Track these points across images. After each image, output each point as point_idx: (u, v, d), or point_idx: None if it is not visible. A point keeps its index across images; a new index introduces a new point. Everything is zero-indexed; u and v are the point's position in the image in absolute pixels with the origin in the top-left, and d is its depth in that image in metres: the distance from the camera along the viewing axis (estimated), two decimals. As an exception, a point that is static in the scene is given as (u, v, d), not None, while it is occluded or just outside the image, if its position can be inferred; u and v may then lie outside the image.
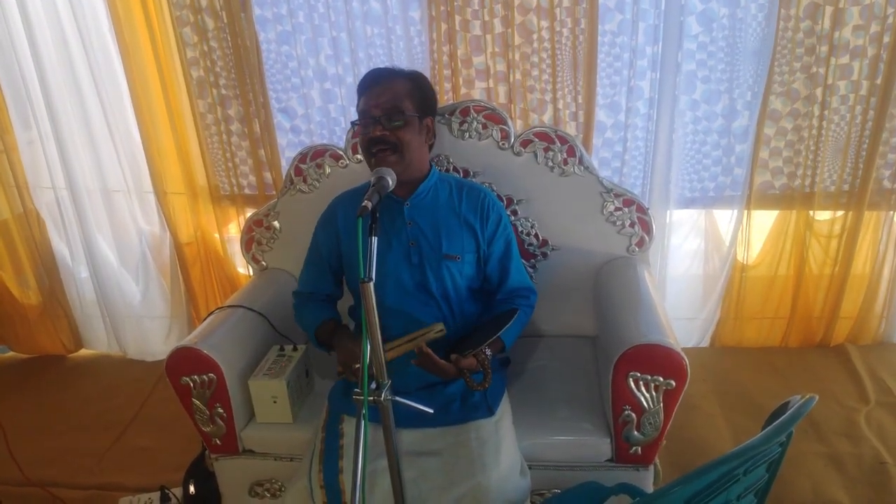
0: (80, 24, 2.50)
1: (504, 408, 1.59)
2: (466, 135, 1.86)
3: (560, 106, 2.37)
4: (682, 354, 1.42)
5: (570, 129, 2.40)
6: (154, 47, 2.50)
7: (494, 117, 1.84)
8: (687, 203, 2.53)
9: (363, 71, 2.43)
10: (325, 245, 1.68)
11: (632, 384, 1.46)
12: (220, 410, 1.66)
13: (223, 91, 2.53)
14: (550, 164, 1.85)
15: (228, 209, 2.73)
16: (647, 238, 1.88)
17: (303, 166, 1.98)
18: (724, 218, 2.53)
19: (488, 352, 1.53)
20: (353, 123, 1.57)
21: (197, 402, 1.67)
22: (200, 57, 2.52)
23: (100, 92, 2.59)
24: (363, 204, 1.22)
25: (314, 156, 1.97)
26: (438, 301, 1.59)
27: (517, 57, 2.33)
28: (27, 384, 2.98)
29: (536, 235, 1.92)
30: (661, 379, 1.44)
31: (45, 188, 2.79)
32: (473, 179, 1.90)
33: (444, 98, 2.38)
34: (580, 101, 2.35)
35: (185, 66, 2.53)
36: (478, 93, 2.41)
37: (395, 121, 1.49)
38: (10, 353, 3.23)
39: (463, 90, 2.44)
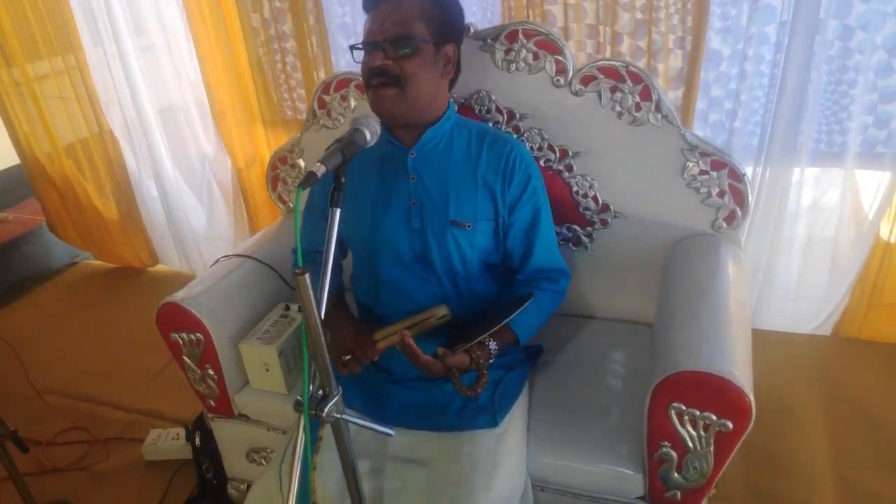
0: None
1: (515, 416, 1.29)
2: (513, 66, 1.48)
3: (662, 29, 1.87)
4: (747, 391, 1.04)
5: (675, 59, 1.91)
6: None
7: (548, 45, 1.44)
8: (821, 160, 1.97)
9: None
10: (321, 199, 1.42)
11: (674, 417, 1.11)
12: (211, 372, 1.52)
13: (276, 3, 2.27)
14: (618, 108, 1.43)
15: (285, 135, 2.54)
16: (739, 212, 1.44)
17: (326, 97, 1.70)
18: (871, 182, 1.96)
19: (493, 347, 1.23)
20: (351, 48, 1.26)
21: (188, 360, 1.53)
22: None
23: (159, 8, 2.43)
24: (312, 168, 0.94)
25: (338, 86, 1.68)
26: (440, 276, 1.29)
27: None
28: (104, 294, 3.09)
29: (595, 198, 1.54)
30: (714, 417, 1.08)
31: (115, 108, 2.73)
32: (520, 123, 1.53)
33: (510, 16, 1.97)
34: (688, 23, 1.84)
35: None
36: (559, 9, 1.97)
37: (402, 47, 1.16)
38: (96, 262, 3.36)
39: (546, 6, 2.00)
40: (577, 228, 1.59)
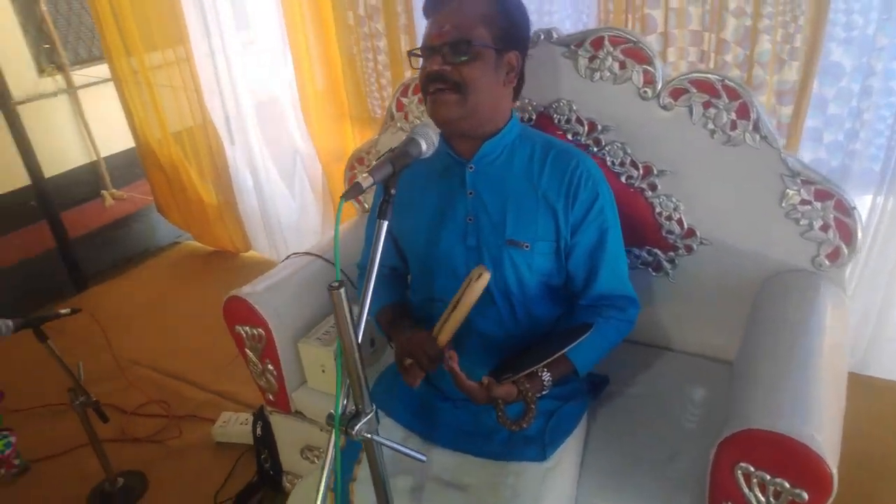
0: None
1: (568, 451, 1.21)
2: (597, 75, 1.39)
3: (776, 38, 1.70)
4: (829, 462, 0.91)
5: (789, 71, 1.72)
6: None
7: (636, 53, 1.33)
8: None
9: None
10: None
11: (740, 478, 0.99)
12: (271, 368, 1.53)
13: (371, 0, 2.27)
14: (711, 125, 1.30)
15: (372, 134, 2.54)
16: (845, 250, 1.27)
17: (404, 100, 1.67)
18: None
19: (546, 378, 1.15)
20: (409, 54, 1.21)
21: (250, 353, 1.56)
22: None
23: (260, 5, 2.51)
24: (359, 179, 0.91)
25: (416, 89, 1.64)
26: (495, 296, 1.22)
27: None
28: (199, 275, 3.25)
29: (680, 221, 1.41)
30: (787, 485, 0.95)
31: (217, 99, 2.85)
32: (601, 136, 1.43)
33: (607, 19, 1.86)
34: (804, 31, 1.66)
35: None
36: (660, 14, 1.83)
37: (462, 53, 1.10)
38: (196, 243, 3.55)
39: (646, 9, 1.88)
40: (659, 253, 1.47)
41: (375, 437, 0.95)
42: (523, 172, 1.20)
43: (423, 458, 1.00)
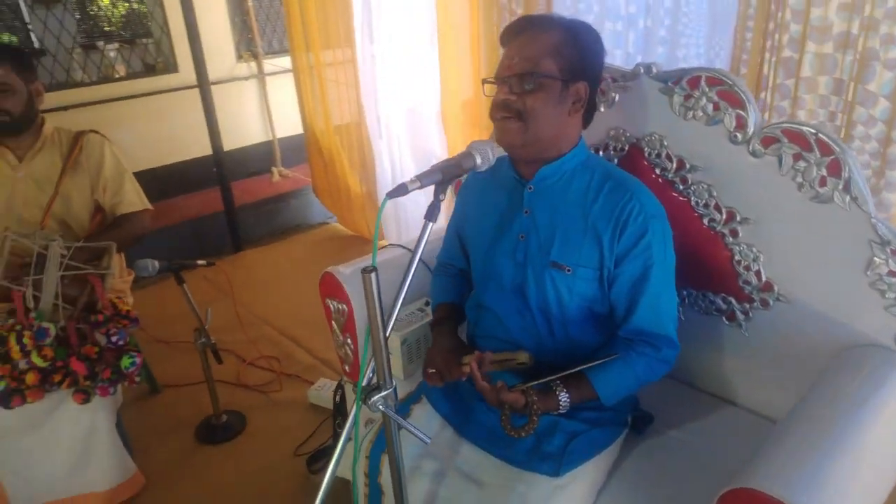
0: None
1: (585, 474, 1.23)
2: (690, 114, 1.38)
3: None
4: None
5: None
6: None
7: (731, 97, 1.31)
8: None
9: (661, 14, 2.03)
10: (456, 214, 1.50)
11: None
12: (349, 341, 1.70)
13: (515, 16, 2.38)
14: (800, 178, 1.25)
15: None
16: (932, 332, 1.16)
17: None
18: None
19: (563, 398, 1.19)
20: (483, 82, 1.29)
21: (334, 325, 1.74)
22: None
23: (416, 17, 2.73)
24: (405, 181, 1.02)
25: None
26: (535, 314, 1.27)
27: (879, 13, 1.59)
28: (337, 255, 3.56)
29: (758, 273, 1.36)
30: (778, 555, 0.91)
31: (371, 100, 3.12)
32: (688, 175, 1.42)
33: (740, 58, 1.80)
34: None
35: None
36: (807, 59, 1.75)
37: (527, 83, 1.17)
38: (340, 226, 3.88)
39: (786, 52, 1.80)
40: (734, 302, 1.42)
41: (387, 411, 1.06)
42: (578, 199, 1.24)
43: (428, 440, 1.09)
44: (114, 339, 1.77)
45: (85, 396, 1.74)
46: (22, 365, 1.69)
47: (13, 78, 1.83)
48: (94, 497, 1.88)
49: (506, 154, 1.30)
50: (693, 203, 1.42)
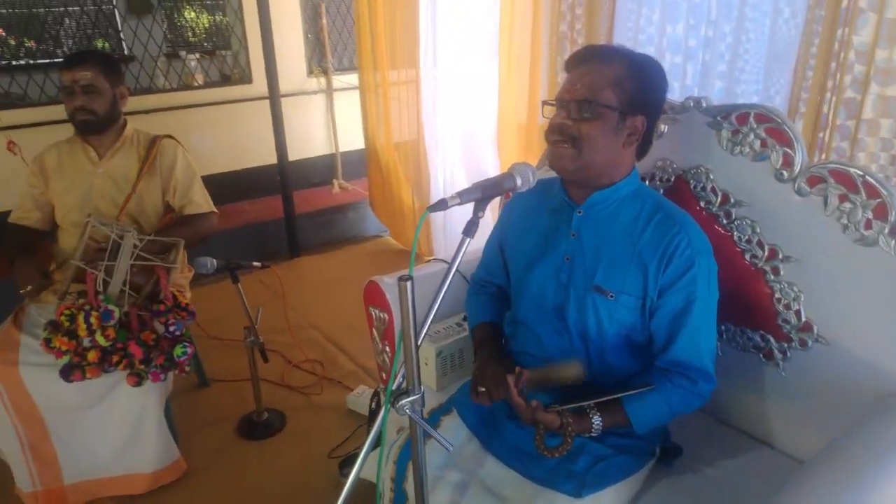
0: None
1: (606, 500, 1.23)
2: (738, 149, 1.38)
3: None
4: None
5: None
6: (535, 5, 2.53)
7: (779, 134, 1.31)
8: None
9: (720, 49, 2.03)
10: (498, 230, 1.53)
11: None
12: (388, 349, 1.76)
13: (576, 45, 2.42)
14: (845, 220, 1.24)
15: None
16: (976, 386, 1.12)
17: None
18: None
19: (596, 422, 1.20)
20: (543, 103, 1.33)
21: (375, 332, 1.80)
22: (569, 10, 2.45)
23: (479, 42, 2.81)
24: (445, 197, 1.07)
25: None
26: (573, 336, 1.29)
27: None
28: (386, 268, 3.63)
29: (798, 313, 1.34)
30: None
31: (431, 120, 3.21)
32: (733, 209, 1.42)
33: (799, 96, 1.79)
34: None
35: (553, 20, 2.51)
36: (869, 100, 1.72)
37: (584, 111, 1.20)
38: (392, 240, 3.97)
39: (848, 93, 1.77)
40: (772, 340, 1.41)
41: (413, 415, 1.11)
42: (627, 227, 1.26)
43: (451, 447, 1.13)
44: (171, 328, 1.88)
45: (138, 379, 1.85)
46: (86, 342, 1.81)
47: (101, 81, 1.99)
48: (138, 477, 1.99)
49: (556, 177, 1.34)
50: (736, 238, 1.42)
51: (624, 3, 2.24)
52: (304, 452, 2.18)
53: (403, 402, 1.10)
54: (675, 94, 2.17)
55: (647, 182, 1.58)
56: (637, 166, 1.31)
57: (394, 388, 1.15)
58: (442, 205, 1.07)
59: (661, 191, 1.55)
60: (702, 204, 1.47)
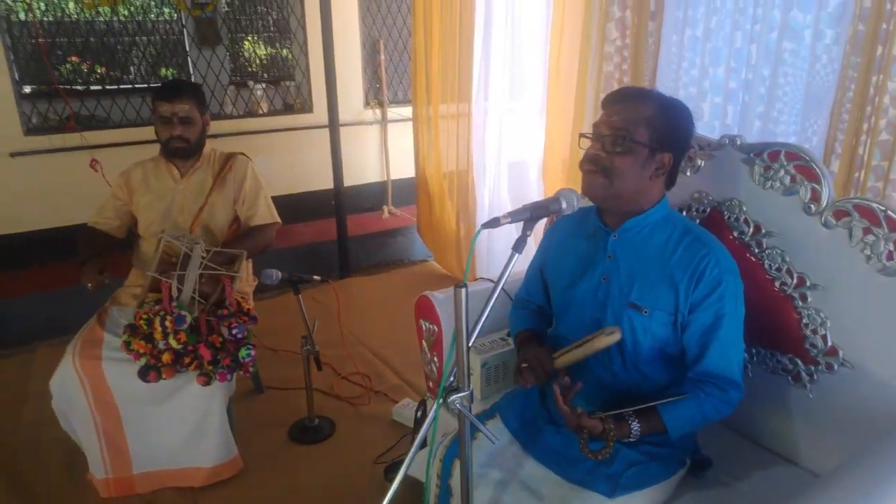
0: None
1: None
2: (769, 184, 1.49)
3: None
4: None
5: None
6: (583, 41, 2.69)
7: (807, 171, 1.42)
8: None
9: (760, 91, 2.14)
10: (539, 254, 1.66)
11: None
12: (436, 359, 1.89)
13: (622, 84, 2.56)
14: (868, 251, 1.33)
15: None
16: None
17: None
18: None
19: (634, 427, 1.31)
20: (580, 136, 1.47)
21: (424, 343, 1.93)
22: (616, 52, 2.60)
23: (528, 78, 2.97)
24: (500, 216, 1.22)
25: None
26: (610, 348, 1.41)
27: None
28: (430, 289, 3.79)
29: (825, 338, 1.43)
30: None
31: (479, 152, 3.38)
32: (764, 239, 1.52)
33: (834, 136, 1.89)
34: None
35: (600, 61, 2.65)
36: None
37: (618, 145, 1.34)
38: (437, 265, 4.12)
39: (882, 135, 1.86)
40: (800, 363, 1.49)
41: (462, 409, 1.23)
42: (658, 248, 1.38)
43: (496, 440, 1.25)
44: (234, 332, 2.06)
45: (206, 379, 2.02)
46: (161, 345, 2.00)
47: (195, 112, 2.23)
48: (199, 471, 2.15)
49: (592, 205, 1.48)
50: (766, 266, 1.52)
51: (668, 46, 2.38)
52: (351, 458, 2.31)
53: (454, 397, 1.23)
54: (714, 133, 2.29)
55: (684, 212, 1.69)
56: (670, 196, 1.44)
57: (445, 385, 1.27)
58: (494, 222, 1.21)
59: (698, 220, 1.66)
60: (735, 233, 1.58)
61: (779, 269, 1.50)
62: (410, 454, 1.30)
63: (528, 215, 1.24)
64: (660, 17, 2.35)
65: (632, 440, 1.33)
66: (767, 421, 1.57)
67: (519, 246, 1.24)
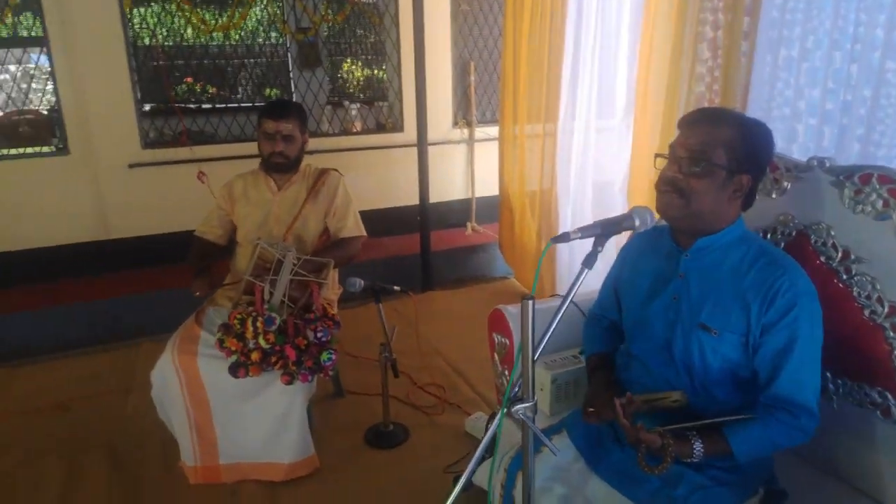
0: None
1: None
2: (860, 208, 1.43)
3: None
4: None
5: None
6: (672, 62, 2.66)
7: (902, 195, 1.35)
8: None
9: (860, 113, 2.05)
10: (614, 271, 1.66)
11: None
12: (506, 373, 1.92)
13: (713, 104, 2.51)
14: (968, 282, 1.25)
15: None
16: None
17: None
18: None
19: (697, 448, 1.28)
20: (656, 156, 1.46)
21: (496, 356, 1.97)
22: (707, 73, 2.55)
23: (615, 98, 2.96)
24: (568, 231, 1.24)
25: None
26: (679, 369, 1.39)
27: None
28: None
29: (917, 371, 1.35)
30: None
31: (564, 172, 3.39)
32: (853, 265, 1.45)
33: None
34: None
35: (691, 82, 2.61)
36: None
37: (695, 167, 1.33)
38: (516, 282, 4.13)
39: None
40: (890, 397, 1.41)
41: (525, 419, 1.26)
42: (731, 269, 1.36)
43: (557, 452, 1.26)
44: (319, 335, 2.17)
45: (289, 379, 2.14)
46: (251, 344, 2.13)
47: (297, 131, 2.40)
48: (278, 466, 2.26)
49: (666, 224, 1.47)
50: (855, 293, 1.45)
51: (762, 66, 2.32)
52: (422, 465, 2.36)
53: (518, 407, 1.25)
54: (809, 154, 2.21)
55: (769, 235, 1.65)
56: (753, 218, 1.41)
57: (510, 395, 1.30)
58: (564, 237, 1.23)
59: (783, 244, 1.61)
60: (822, 259, 1.52)
61: (868, 297, 1.43)
62: (472, 462, 1.33)
63: (600, 231, 1.25)
64: (753, 36, 2.29)
65: (694, 461, 1.31)
66: (851, 455, 1.49)
67: (589, 262, 1.26)
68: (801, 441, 1.29)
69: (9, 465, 2.42)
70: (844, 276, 1.48)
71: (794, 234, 1.59)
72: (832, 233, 1.50)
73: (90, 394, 2.93)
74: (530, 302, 1.21)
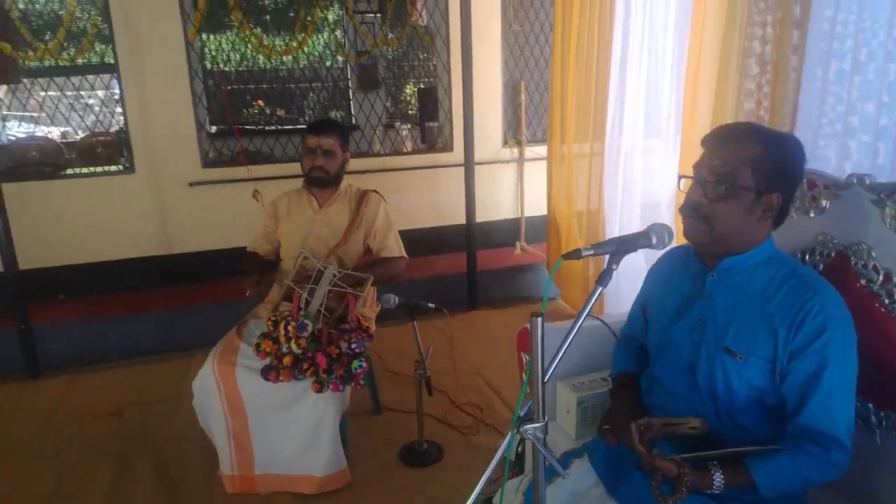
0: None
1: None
2: (902, 228, 1.34)
3: None
4: None
5: None
6: (720, 78, 2.59)
7: (946, 214, 1.26)
8: None
9: (917, 128, 1.93)
10: (645, 288, 1.61)
11: None
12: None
13: (762, 121, 2.42)
14: None
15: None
16: None
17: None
18: None
19: (717, 479, 1.22)
20: (680, 177, 1.41)
21: (525, 376, 1.93)
22: (756, 89, 2.47)
23: (662, 117, 2.90)
24: (581, 247, 1.22)
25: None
26: (703, 395, 1.33)
27: None
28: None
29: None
30: None
31: (612, 191, 3.33)
32: (895, 289, 1.36)
33: None
34: None
35: (740, 98, 2.53)
36: None
37: (720, 188, 1.27)
38: (563, 303, 4.06)
39: None
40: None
41: (533, 438, 1.23)
42: (759, 291, 1.29)
43: (566, 474, 1.23)
44: (353, 345, 2.19)
45: (320, 387, 2.17)
46: (284, 349, 2.18)
47: (337, 147, 2.48)
48: (310, 479, 2.29)
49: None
50: (898, 319, 1.36)
51: (812, 81, 2.22)
52: (455, 485, 2.33)
53: (527, 427, 1.23)
54: (862, 170, 2.10)
55: (807, 255, 1.57)
56: (790, 238, 1.34)
57: (521, 415, 1.28)
58: (576, 254, 1.21)
59: (821, 266, 1.53)
60: (863, 282, 1.43)
61: (913, 323, 1.34)
62: (483, 479, 1.32)
63: (615, 248, 1.23)
64: (802, 50, 2.21)
65: (715, 491, 1.24)
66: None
67: (603, 280, 1.23)
68: (831, 477, 1.21)
69: (68, 461, 2.58)
70: (886, 301, 1.39)
71: (833, 255, 1.50)
72: (873, 254, 1.41)
73: (144, 401, 3.05)
74: (539, 319, 1.19)
